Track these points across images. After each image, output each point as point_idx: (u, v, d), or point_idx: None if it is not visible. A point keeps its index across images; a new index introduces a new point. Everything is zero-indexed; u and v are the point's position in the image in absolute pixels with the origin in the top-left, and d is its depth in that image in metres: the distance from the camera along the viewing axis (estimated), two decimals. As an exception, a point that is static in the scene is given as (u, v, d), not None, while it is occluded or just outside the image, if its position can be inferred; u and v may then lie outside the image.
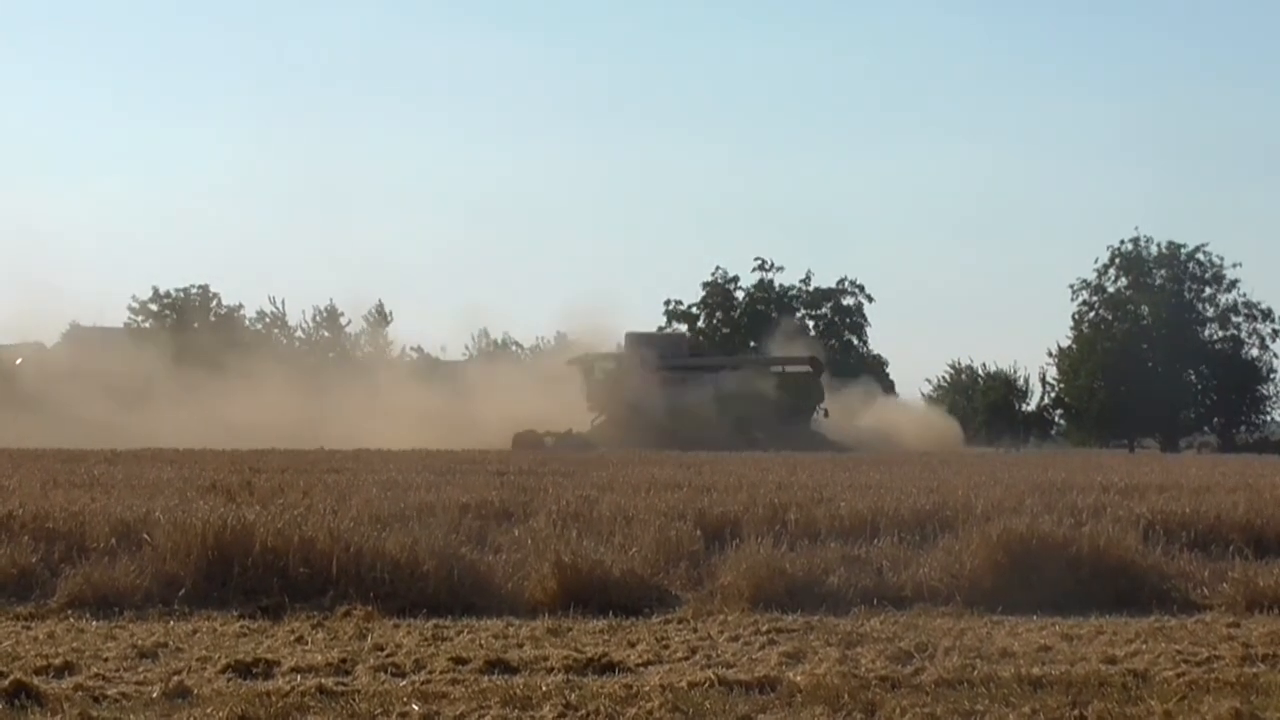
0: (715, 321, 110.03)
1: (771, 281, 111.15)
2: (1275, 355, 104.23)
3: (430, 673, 12.61)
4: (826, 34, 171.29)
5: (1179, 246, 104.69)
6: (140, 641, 13.90)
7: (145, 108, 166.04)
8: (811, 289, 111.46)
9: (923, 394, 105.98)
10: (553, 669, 12.82)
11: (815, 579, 17.37)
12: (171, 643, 13.95)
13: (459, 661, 13.00)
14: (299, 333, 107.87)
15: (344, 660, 13.02)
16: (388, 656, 13.28)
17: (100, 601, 16.04)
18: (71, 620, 15.37)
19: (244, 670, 12.55)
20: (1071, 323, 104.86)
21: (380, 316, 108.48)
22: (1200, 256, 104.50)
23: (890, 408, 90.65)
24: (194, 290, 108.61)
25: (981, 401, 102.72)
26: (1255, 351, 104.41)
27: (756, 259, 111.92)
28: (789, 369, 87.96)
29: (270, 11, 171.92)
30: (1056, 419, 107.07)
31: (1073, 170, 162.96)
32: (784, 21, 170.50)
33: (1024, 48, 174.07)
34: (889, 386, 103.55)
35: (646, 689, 11.83)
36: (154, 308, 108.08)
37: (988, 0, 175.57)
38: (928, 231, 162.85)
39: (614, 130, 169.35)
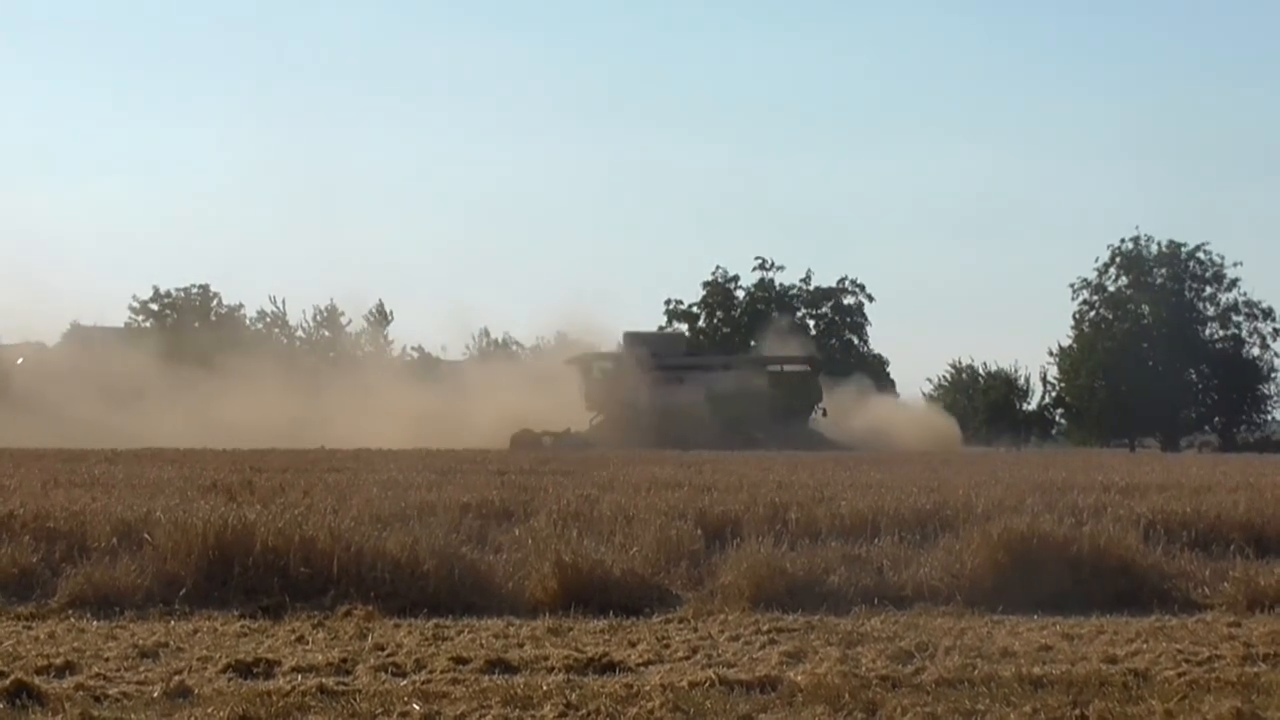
0: (716, 321, 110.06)
1: (772, 281, 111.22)
2: (1276, 354, 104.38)
3: (431, 672, 12.61)
4: (826, 34, 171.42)
5: (1179, 246, 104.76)
6: (141, 641, 13.90)
7: (145, 108, 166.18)
8: (812, 288, 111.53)
9: (923, 393, 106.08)
10: (553, 669, 12.82)
11: (816, 578, 17.36)
12: (172, 642, 13.95)
13: (460, 661, 13.00)
14: (299, 332, 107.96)
15: (345, 660, 13.02)
16: (388, 656, 13.28)
17: (101, 601, 16.05)
18: (72, 620, 15.37)
19: (245, 670, 12.55)
20: (1072, 322, 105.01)
21: (381, 316, 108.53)
22: (1201, 256, 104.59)
23: (886, 407, 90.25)
24: (194, 290, 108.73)
25: (982, 401, 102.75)
26: (1256, 351, 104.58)
27: (757, 258, 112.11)
28: (787, 368, 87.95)
29: (270, 11, 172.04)
30: (1057, 418, 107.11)
31: (1073, 170, 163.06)
32: (784, 21, 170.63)
33: (1024, 48, 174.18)
34: (888, 386, 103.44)
35: (647, 689, 11.83)
36: (154, 308, 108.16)
37: (988, 0, 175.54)
38: (928, 231, 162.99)
39: (614, 130, 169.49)
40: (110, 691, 11.70)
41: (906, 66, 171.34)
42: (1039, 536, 18.09)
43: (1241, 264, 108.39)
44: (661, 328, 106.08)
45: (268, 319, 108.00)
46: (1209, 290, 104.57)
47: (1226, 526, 21.02)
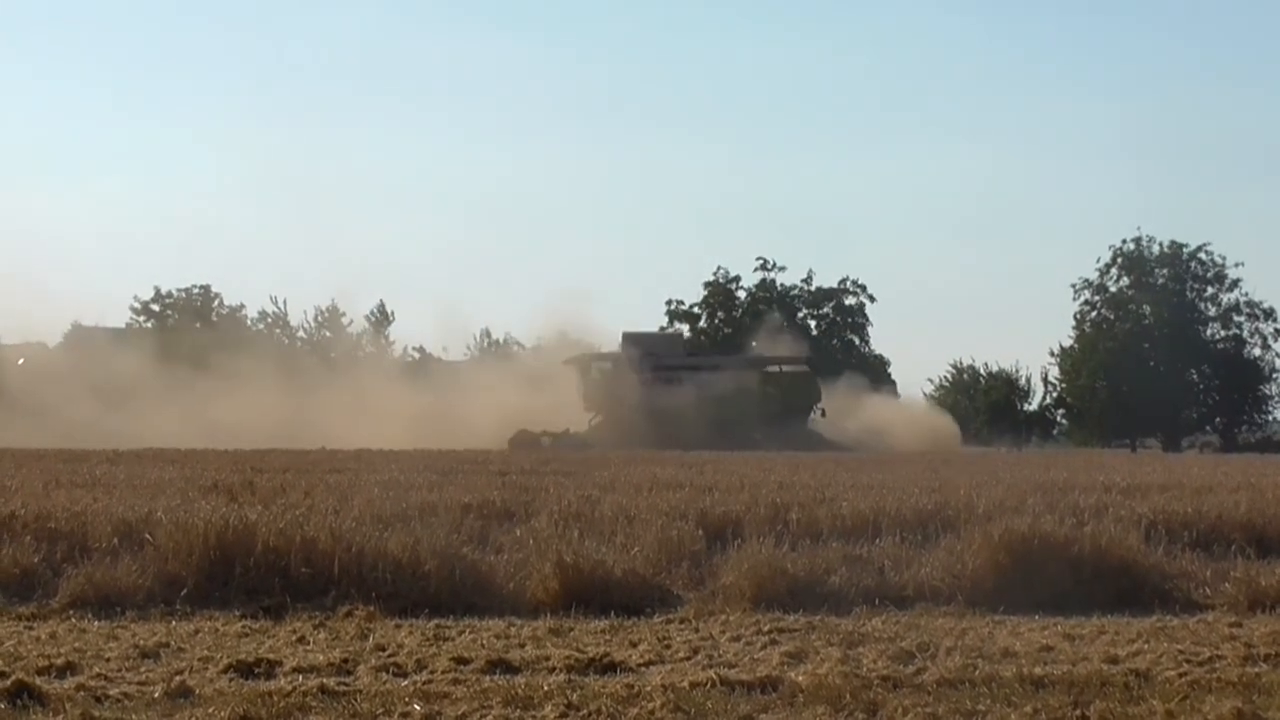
0: (717, 321, 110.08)
1: (773, 281, 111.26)
2: (1277, 355, 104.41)
3: (432, 673, 12.61)
4: (826, 34, 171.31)
5: (1181, 246, 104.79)
6: (142, 641, 13.90)
7: (145, 108, 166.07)
8: (813, 289, 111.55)
9: (924, 394, 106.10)
10: (554, 669, 12.82)
11: (817, 579, 17.37)
12: (173, 643, 13.95)
13: (461, 661, 13.00)
14: (300, 333, 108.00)
15: (346, 660, 13.02)
16: (389, 656, 13.28)
17: (102, 601, 16.05)
18: (73, 620, 15.37)
19: (246, 670, 12.56)
20: (1073, 322, 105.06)
21: (382, 316, 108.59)
22: (1202, 256, 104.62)
23: (882, 406, 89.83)
24: (195, 290, 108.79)
25: (983, 401, 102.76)
26: (1257, 351, 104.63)
27: (758, 259, 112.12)
28: (786, 368, 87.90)
29: (270, 11, 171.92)
30: (1058, 419, 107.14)
31: (1074, 170, 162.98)
32: (784, 21, 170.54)
33: (1024, 48, 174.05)
34: (889, 386, 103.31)
35: (648, 689, 11.83)
36: (155, 308, 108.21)
37: (987, 0, 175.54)
38: (929, 231, 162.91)
39: (614, 130, 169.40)
40: (111, 692, 11.70)
41: (907, 66, 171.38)
42: (1040, 537, 18.09)
43: (1243, 264, 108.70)
44: (663, 328, 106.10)
45: (269, 319, 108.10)
46: (1210, 290, 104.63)
47: (1228, 527, 21.02)
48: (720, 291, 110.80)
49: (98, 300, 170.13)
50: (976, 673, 12.57)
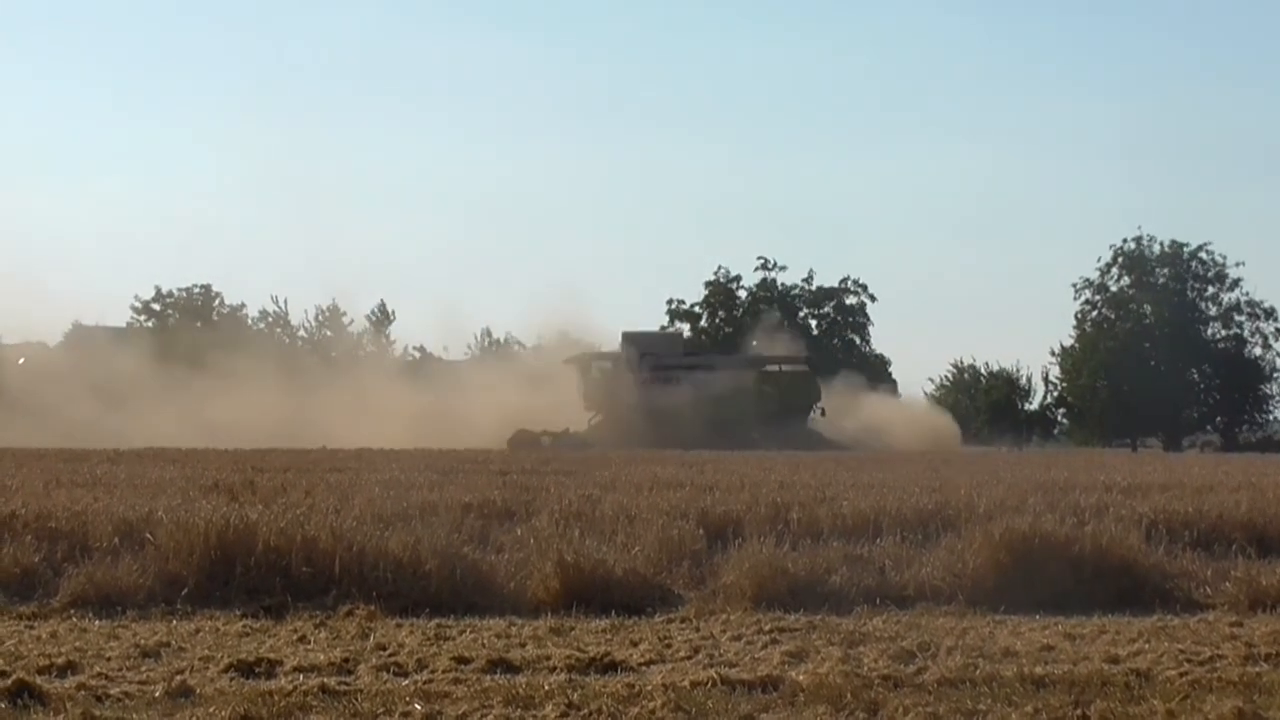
0: (718, 321, 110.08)
1: (774, 281, 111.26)
2: (1278, 354, 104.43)
3: (433, 672, 12.61)
4: (827, 34, 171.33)
5: (1182, 245, 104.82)
6: (143, 641, 13.90)
7: (145, 108, 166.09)
8: (814, 288, 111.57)
9: (925, 393, 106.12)
10: (555, 668, 12.82)
11: (818, 578, 17.37)
12: (174, 642, 13.95)
13: (461, 661, 13.00)
14: (301, 332, 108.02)
15: (346, 660, 13.02)
16: (390, 656, 13.28)
17: (103, 601, 16.05)
18: (74, 620, 15.37)
19: (247, 670, 12.55)
20: (1074, 322, 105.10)
21: (383, 316, 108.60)
22: (1203, 255, 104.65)
23: (879, 405, 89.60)
24: (196, 290, 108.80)
25: (984, 400, 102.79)
26: (1258, 350, 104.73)
27: (759, 258, 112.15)
28: (785, 368, 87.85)
29: (270, 11, 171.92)
30: (1059, 418, 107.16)
31: (1074, 169, 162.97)
32: (784, 21, 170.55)
33: (1024, 48, 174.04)
34: (889, 385, 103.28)
35: (649, 688, 11.83)
36: (156, 308, 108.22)
37: (987, 0, 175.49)
38: (930, 231, 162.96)
39: (614, 130, 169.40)
40: (112, 691, 11.70)
41: (907, 66, 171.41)
42: (1041, 536, 18.08)
43: (1243, 264, 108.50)
44: (664, 327, 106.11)
45: (270, 319, 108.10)
46: (1211, 290, 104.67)
47: (1228, 526, 21.02)
48: (721, 291, 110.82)
49: (98, 300, 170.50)
50: (977, 672, 12.56)
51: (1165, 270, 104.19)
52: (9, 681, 11.59)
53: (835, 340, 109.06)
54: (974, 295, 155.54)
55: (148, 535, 17.55)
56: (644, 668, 12.98)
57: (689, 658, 13.44)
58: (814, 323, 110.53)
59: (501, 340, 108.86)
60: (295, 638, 14.33)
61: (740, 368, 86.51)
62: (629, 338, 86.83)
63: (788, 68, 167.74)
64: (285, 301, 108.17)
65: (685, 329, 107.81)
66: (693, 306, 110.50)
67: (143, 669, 12.63)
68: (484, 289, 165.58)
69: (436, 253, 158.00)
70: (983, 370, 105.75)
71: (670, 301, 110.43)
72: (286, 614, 15.73)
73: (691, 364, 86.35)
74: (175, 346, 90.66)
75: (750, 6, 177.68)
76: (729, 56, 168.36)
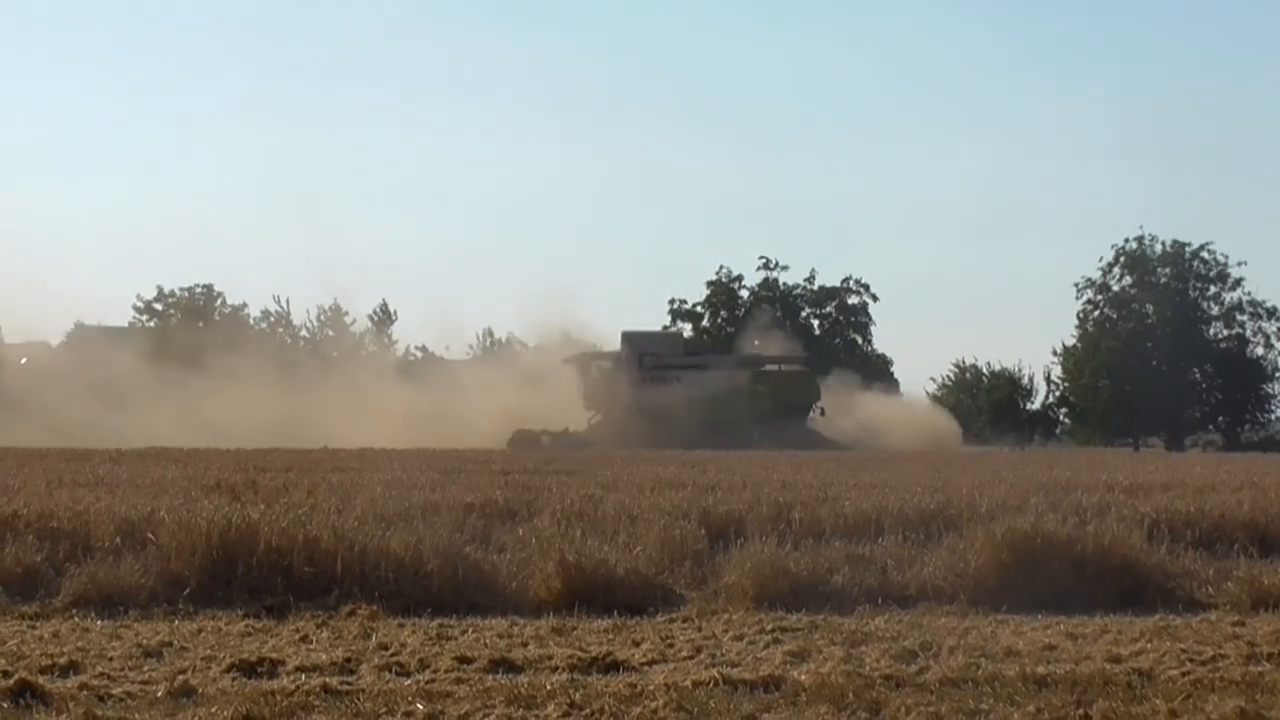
0: (720, 320, 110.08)
1: (776, 280, 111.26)
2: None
3: (435, 672, 12.61)
4: (828, 34, 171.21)
5: (1183, 245, 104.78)
6: (145, 641, 13.90)
7: (145, 108, 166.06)
8: (816, 288, 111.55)
9: (927, 393, 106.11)
10: (557, 668, 12.82)
11: (820, 578, 17.37)
12: (176, 642, 13.95)
13: (463, 661, 13.00)
14: (304, 332, 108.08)
15: (348, 659, 13.02)
16: (392, 656, 13.28)
17: (105, 601, 16.05)
18: (76, 619, 15.38)
19: (249, 669, 12.56)
20: (1076, 321, 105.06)
21: (385, 316, 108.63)
22: (1205, 255, 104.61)
23: (875, 404, 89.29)
24: (198, 290, 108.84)
25: (986, 400, 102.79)
26: (1260, 350, 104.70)
27: (761, 258, 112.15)
28: (784, 367, 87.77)
29: (270, 11, 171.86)
30: (1061, 418, 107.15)
31: (1076, 169, 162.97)
32: (785, 21, 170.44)
33: (1025, 47, 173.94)
34: (885, 384, 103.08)
35: (651, 688, 11.83)
36: (159, 307, 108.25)
37: (988, 0, 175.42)
38: (932, 230, 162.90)
39: (615, 130, 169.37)
40: (114, 691, 11.70)
41: (909, 66, 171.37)
42: (1043, 536, 18.08)
43: (1245, 264, 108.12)
44: (666, 327, 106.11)
45: (272, 318, 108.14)
46: (1213, 290, 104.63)
47: (1230, 526, 21.00)
48: (723, 291, 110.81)
49: (100, 300, 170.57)
50: (979, 672, 12.56)
51: (1167, 270, 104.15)
52: (11, 681, 11.59)
53: (837, 340, 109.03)
54: (976, 295, 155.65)
55: (150, 535, 17.56)
56: (646, 667, 12.98)
57: (691, 657, 13.44)
58: (816, 322, 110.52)
59: (503, 340, 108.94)
60: (297, 637, 14.34)
61: (734, 367, 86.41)
62: (628, 337, 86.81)
63: (789, 67, 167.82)
64: (288, 301, 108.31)
65: (687, 329, 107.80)
66: (695, 306, 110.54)
67: (145, 669, 12.63)
68: (484, 289, 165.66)
69: (436, 253, 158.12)
70: (984, 370, 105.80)
71: (672, 301, 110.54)
72: (288, 614, 15.73)
73: (688, 364, 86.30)
74: (173, 346, 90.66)
75: (751, 6, 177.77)
76: (730, 56, 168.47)
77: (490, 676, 12.48)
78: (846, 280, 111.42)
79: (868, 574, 17.71)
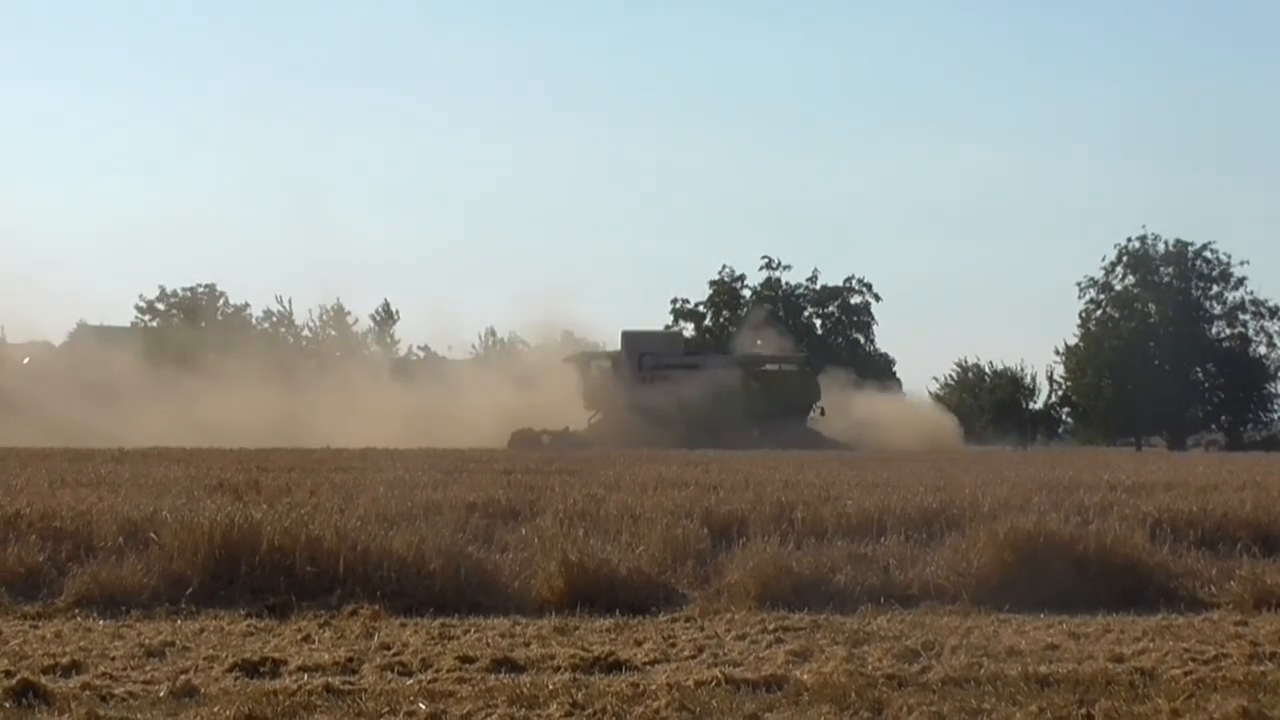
0: (722, 320, 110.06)
1: (778, 280, 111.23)
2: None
3: (437, 671, 12.62)
4: (829, 33, 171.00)
5: (1186, 244, 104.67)
6: (147, 640, 13.91)
7: (145, 108, 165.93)
8: (818, 287, 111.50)
9: (929, 392, 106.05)
10: (559, 667, 12.82)
11: (822, 577, 17.37)
12: (179, 642, 13.96)
13: (466, 660, 13.00)
14: (306, 332, 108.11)
15: (351, 659, 13.02)
16: (394, 655, 13.29)
17: (107, 600, 16.06)
18: (79, 619, 15.38)
19: (251, 669, 12.56)
20: (1078, 321, 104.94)
21: (387, 315, 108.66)
22: (1207, 254, 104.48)
23: (871, 402, 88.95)
24: (201, 289, 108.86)
25: (988, 400, 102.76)
26: (1263, 349, 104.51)
27: (763, 257, 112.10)
28: (784, 367, 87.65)
29: (270, 11, 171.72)
30: (1063, 417, 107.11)
31: (1078, 168, 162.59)
32: (786, 21, 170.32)
33: (1026, 47, 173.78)
34: (884, 382, 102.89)
35: (653, 687, 11.83)
36: (161, 307, 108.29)
37: (988, 0, 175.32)
38: (933, 229, 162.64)
39: (615, 129, 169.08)
40: (116, 691, 11.71)
41: (910, 65, 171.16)
42: (1045, 535, 18.08)
43: (1248, 263, 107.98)
44: (668, 327, 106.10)
45: (274, 318, 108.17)
46: (1216, 289, 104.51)
47: (1233, 525, 20.99)
48: (725, 290, 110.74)
49: (101, 300, 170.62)
50: (982, 671, 12.56)
51: (1170, 269, 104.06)
52: (14, 681, 11.60)
53: (839, 339, 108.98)
54: (978, 294, 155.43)
55: (152, 535, 17.56)
56: (648, 667, 12.98)
57: (693, 657, 13.44)
58: (818, 322, 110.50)
59: (505, 340, 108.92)
60: (300, 637, 14.34)
61: (734, 367, 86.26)
62: (628, 337, 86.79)
63: (789, 67, 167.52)
64: (290, 301, 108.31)
65: (689, 328, 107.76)
66: (697, 306, 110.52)
67: (147, 668, 12.63)
68: (484, 289, 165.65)
69: (436, 252, 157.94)
70: (987, 369, 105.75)
71: (674, 301, 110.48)
72: (291, 613, 15.74)
73: (690, 364, 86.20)
74: (169, 346, 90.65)
75: (751, 6, 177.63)
76: (730, 56, 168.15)
77: (493, 676, 12.48)
78: (849, 280, 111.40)
79: (870, 573, 17.71)
